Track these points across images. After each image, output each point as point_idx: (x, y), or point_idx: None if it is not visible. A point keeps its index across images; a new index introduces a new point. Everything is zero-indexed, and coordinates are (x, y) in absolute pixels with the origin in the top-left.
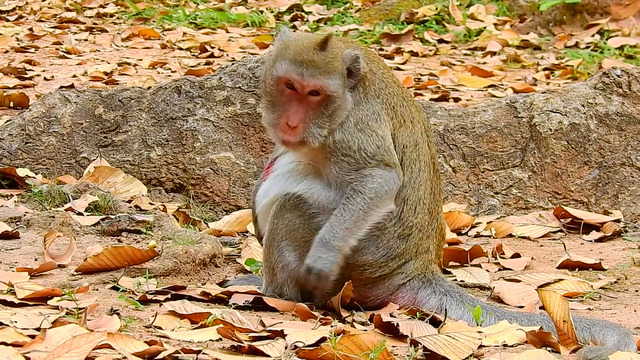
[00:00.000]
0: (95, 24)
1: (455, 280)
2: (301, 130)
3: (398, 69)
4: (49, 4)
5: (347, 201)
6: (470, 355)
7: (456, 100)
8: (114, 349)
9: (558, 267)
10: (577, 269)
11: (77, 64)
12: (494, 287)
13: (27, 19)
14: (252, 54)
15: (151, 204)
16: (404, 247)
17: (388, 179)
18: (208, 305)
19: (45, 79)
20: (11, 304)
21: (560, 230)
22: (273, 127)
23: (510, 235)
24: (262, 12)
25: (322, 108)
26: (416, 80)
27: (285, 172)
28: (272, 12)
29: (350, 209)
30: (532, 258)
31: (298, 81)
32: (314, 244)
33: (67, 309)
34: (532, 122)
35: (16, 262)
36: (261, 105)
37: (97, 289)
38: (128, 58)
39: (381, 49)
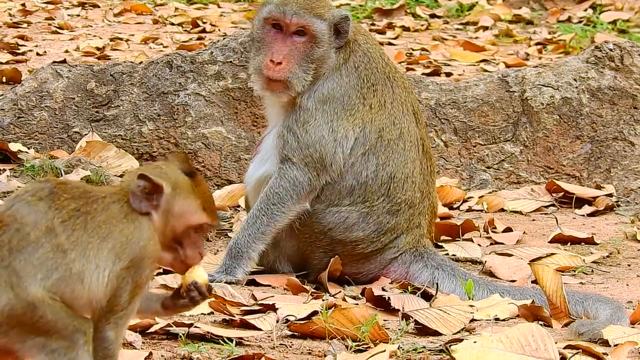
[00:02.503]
0: None
1: (447, 254)
2: (286, 69)
3: (390, 43)
4: None
5: (256, 205)
6: (462, 329)
7: (448, 75)
8: None
9: (550, 242)
10: (569, 243)
11: (70, 40)
12: (485, 261)
13: None
14: (243, 28)
15: None
16: (395, 222)
17: (296, 183)
18: None
19: (37, 54)
20: None
21: (553, 205)
22: (258, 69)
23: (502, 210)
24: None
25: (308, 50)
26: (408, 55)
27: (269, 153)
28: None
29: (255, 214)
30: (524, 232)
31: (282, 19)
32: (225, 253)
33: None
34: (524, 96)
35: None
36: (250, 56)
37: None
38: (120, 33)
39: (373, 24)
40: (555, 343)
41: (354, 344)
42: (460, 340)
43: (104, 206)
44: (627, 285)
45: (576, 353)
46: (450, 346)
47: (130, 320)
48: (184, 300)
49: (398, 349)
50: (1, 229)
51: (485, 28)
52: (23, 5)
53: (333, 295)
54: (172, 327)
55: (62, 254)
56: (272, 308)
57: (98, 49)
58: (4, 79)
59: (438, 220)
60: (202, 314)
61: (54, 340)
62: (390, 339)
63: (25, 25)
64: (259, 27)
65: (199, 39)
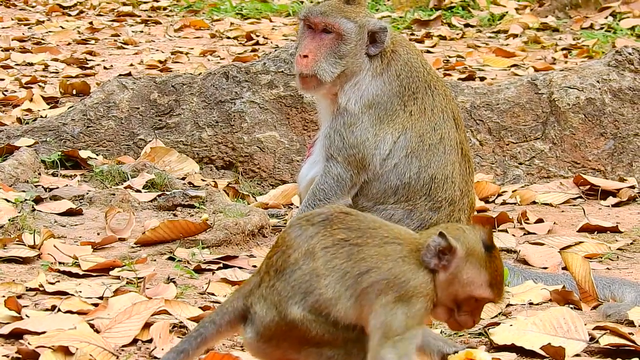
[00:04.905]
0: (149, 16)
1: None
2: (312, 62)
3: (428, 52)
4: None
5: (304, 201)
6: (499, 314)
7: (482, 79)
8: (170, 314)
9: (578, 231)
10: (595, 232)
11: (134, 54)
12: (519, 250)
13: (87, 14)
14: (293, 40)
15: (203, 180)
16: (437, 218)
17: (340, 179)
18: None
19: (104, 68)
20: (76, 275)
21: (580, 197)
22: (294, 69)
23: (534, 202)
24: (302, 2)
25: (334, 46)
26: (445, 62)
27: (320, 155)
28: (312, 2)
29: (303, 210)
30: (554, 223)
31: (310, 18)
32: None
33: (127, 278)
34: (552, 97)
35: (80, 237)
36: None
37: (154, 260)
38: (180, 47)
39: (412, 34)
40: (585, 324)
41: None
42: (498, 323)
43: (379, 243)
44: None
45: (604, 333)
46: (488, 329)
47: (413, 347)
48: None
49: (440, 332)
50: (275, 249)
51: (515, 36)
52: (91, 23)
53: None
54: None
55: (316, 279)
56: None
57: (160, 62)
58: (74, 92)
59: (475, 213)
60: None
61: (327, 349)
62: (434, 323)
63: (93, 41)
64: (299, 29)
65: (252, 51)
